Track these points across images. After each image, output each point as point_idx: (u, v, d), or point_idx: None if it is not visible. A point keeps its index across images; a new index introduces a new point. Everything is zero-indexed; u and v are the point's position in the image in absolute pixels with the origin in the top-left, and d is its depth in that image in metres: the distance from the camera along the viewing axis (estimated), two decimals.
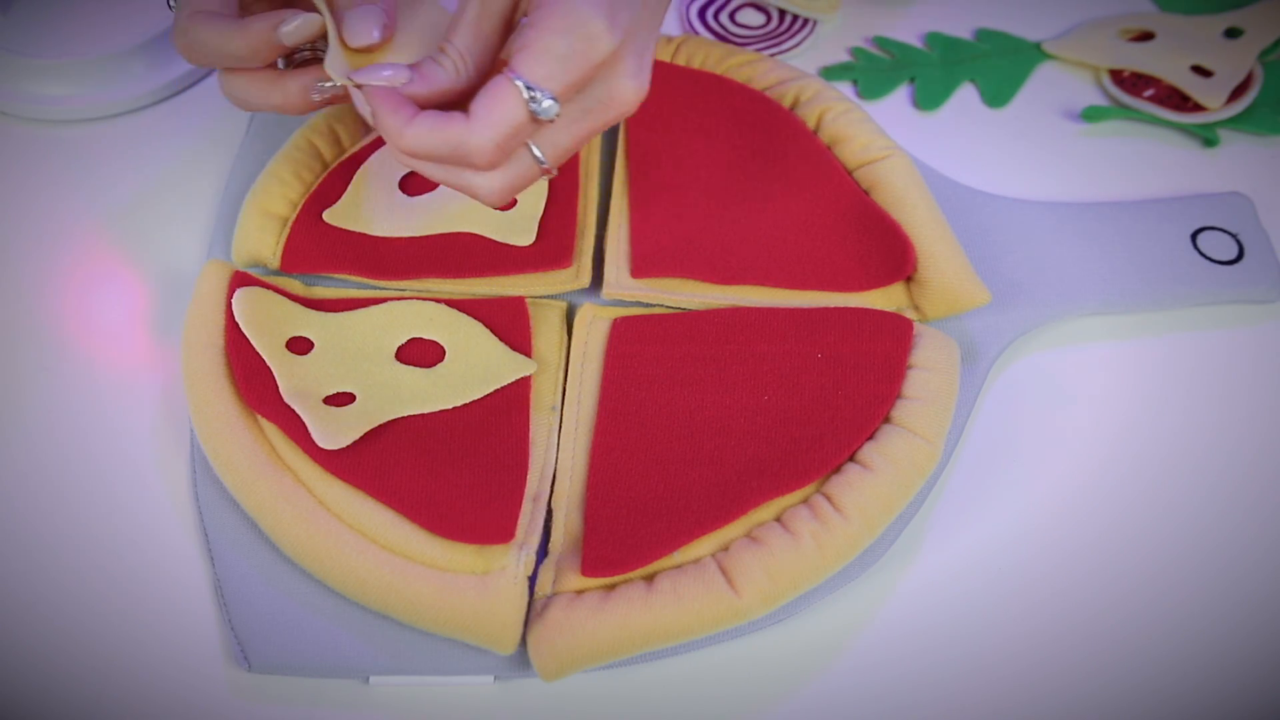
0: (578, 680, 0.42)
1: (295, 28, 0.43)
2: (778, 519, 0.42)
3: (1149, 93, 0.59)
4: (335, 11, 0.43)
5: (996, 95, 0.60)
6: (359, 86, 0.41)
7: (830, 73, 0.61)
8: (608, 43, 0.40)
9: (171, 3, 0.45)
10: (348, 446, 0.43)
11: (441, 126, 0.40)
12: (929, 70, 0.61)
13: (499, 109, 0.39)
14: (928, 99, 0.60)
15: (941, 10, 0.64)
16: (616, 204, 0.53)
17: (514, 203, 0.52)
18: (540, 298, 0.50)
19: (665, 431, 0.45)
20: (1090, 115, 0.59)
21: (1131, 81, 0.59)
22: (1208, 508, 0.46)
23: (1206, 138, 0.57)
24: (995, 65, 0.61)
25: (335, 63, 0.43)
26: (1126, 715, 0.41)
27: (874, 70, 0.61)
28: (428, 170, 0.42)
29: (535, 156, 0.42)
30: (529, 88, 0.39)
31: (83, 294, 0.52)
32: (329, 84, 0.45)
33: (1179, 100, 0.58)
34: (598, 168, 0.54)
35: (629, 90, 0.42)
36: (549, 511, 0.44)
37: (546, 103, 0.39)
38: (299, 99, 0.46)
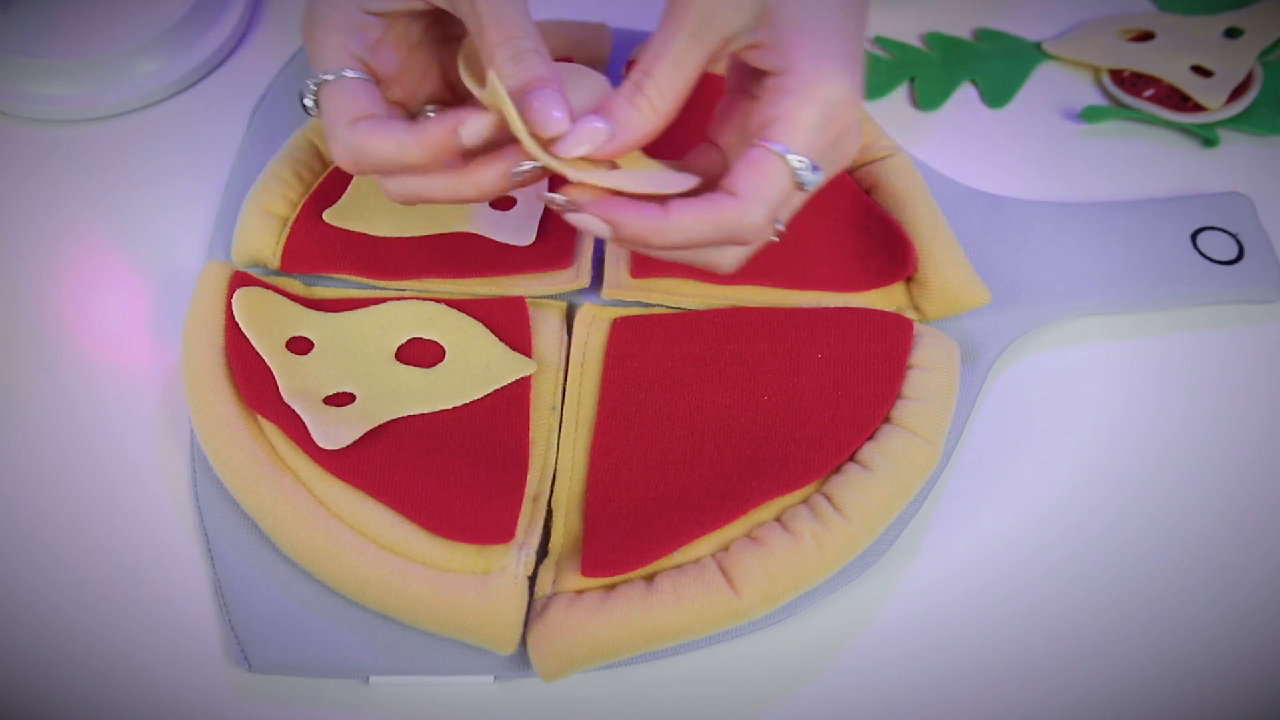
0: (578, 680, 0.42)
1: (477, 128, 0.40)
2: (778, 519, 0.42)
3: (1149, 93, 0.59)
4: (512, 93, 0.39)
5: (996, 95, 0.60)
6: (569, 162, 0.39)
7: None
8: (857, 109, 0.39)
9: (309, 106, 0.42)
10: (348, 446, 0.43)
11: (711, 213, 0.38)
12: (929, 70, 0.61)
13: (769, 184, 0.38)
14: (928, 99, 0.60)
15: (941, 10, 0.64)
16: None
17: (513, 202, 0.52)
18: (540, 298, 0.50)
19: (665, 431, 0.45)
20: (1090, 115, 0.59)
21: (1131, 81, 0.59)
22: (1207, 507, 0.46)
23: (1206, 138, 0.57)
24: (995, 65, 0.61)
25: (527, 143, 0.39)
26: (1127, 715, 0.41)
27: (874, 70, 0.61)
28: (673, 253, 0.40)
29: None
30: (798, 160, 0.38)
31: (82, 294, 0.52)
32: (529, 165, 0.40)
33: (1179, 100, 0.58)
34: None
35: (854, 148, 0.41)
36: (549, 511, 0.44)
37: (813, 175, 0.38)
38: (497, 185, 0.41)
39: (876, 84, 0.60)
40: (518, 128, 0.38)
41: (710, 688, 0.42)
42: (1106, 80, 0.60)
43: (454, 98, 0.47)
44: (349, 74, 0.42)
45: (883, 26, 0.63)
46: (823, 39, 0.39)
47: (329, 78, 0.42)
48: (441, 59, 0.46)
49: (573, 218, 0.39)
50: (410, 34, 0.44)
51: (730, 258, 0.42)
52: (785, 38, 0.39)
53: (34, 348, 0.50)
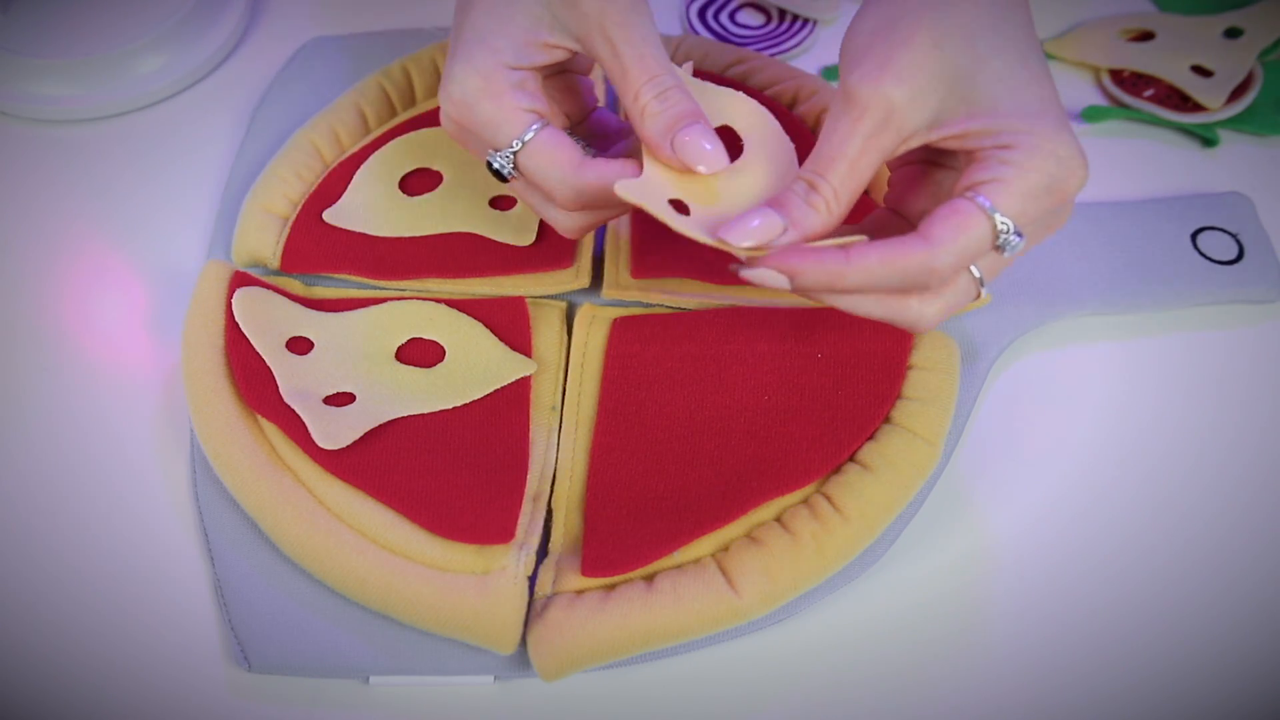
0: (578, 680, 0.42)
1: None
2: (778, 519, 0.42)
3: (1149, 93, 0.59)
4: (665, 131, 0.41)
5: None
6: (748, 253, 0.38)
7: (831, 73, 0.61)
8: (1083, 177, 0.38)
9: (506, 170, 0.43)
10: (348, 446, 0.43)
11: (896, 254, 0.36)
12: None
13: (966, 235, 0.37)
14: None
15: None
16: None
17: (514, 202, 0.52)
18: (540, 298, 0.50)
19: (665, 431, 0.45)
20: (1090, 115, 0.58)
21: (1131, 81, 0.59)
22: (1207, 507, 0.46)
23: (1206, 138, 0.57)
24: None
25: (682, 222, 0.39)
26: (1126, 714, 0.41)
27: None
28: (864, 306, 0.39)
29: (977, 279, 0.39)
30: (1003, 221, 0.37)
31: (82, 294, 0.52)
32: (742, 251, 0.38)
33: (1179, 100, 0.58)
34: None
35: (1067, 216, 0.40)
36: (549, 511, 0.44)
37: (1016, 239, 0.37)
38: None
39: None
40: (673, 224, 0.38)
41: (710, 688, 0.42)
42: (1106, 80, 0.60)
43: (570, 124, 0.48)
44: (537, 128, 0.42)
45: None
46: (1031, 110, 0.37)
47: (521, 142, 0.42)
48: (554, 94, 0.47)
49: (746, 273, 0.38)
50: (538, 79, 0.45)
51: (928, 313, 0.39)
52: (994, 125, 0.37)
53: (34, 348, 0.50)
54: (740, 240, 0.38)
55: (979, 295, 0.40)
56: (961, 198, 0.37)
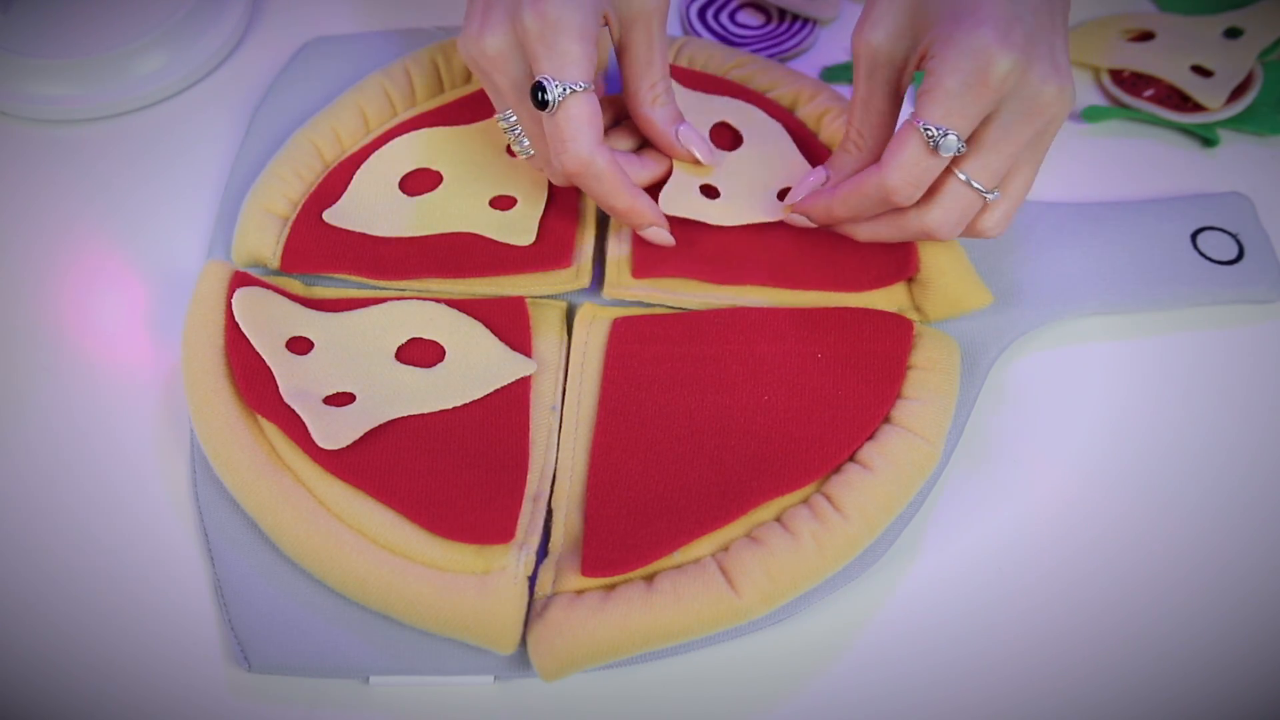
0: (578, 680, 0.42)
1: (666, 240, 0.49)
2: (778, 519, 0.42)
3: (1149, 93, 0.59)
4: (668, 129, 0.49)
5: None
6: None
7: (831, 73, 0.61)
8: (1006, 62, 0.40)
9: (551, 101, 0.44)
10: (348, 446, 0.43)
11: (860, 184, 0.44)
12: None
13: (902, 152, 0.42)
14: None
15: None
16: None
17: (514, 202, 0.52)
18: (540, 298, 0.50)
19: (665, 431, 0.45)
20: (1090, 115, 0.58)
21: (1131, 81, 0.59)
22: (1207, 507, 0.46)
23: (1206, 138, 0.57)
24: None
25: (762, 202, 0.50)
26: (1126, 715, 0.41)
27: None
28: (880, 232, 0.47)
29: (962, 181, 0.43)
30: (927, 129, 0.41)
31: (82, 294, 0.52)
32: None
33: (1179, 100, 0.58)
34: None
35: (1048, 93, 0.42)
36: (549, 511, 0.44)
37: (948, 139, 0.41)
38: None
39: None
40: (710, 218, 0.50)
41: (710, 688, 0.42)
42: (1106, 80, 0.60)
43: None
44: (591, 86, 0.44)
45: None
46: (961, 11, 0.41)
47: (581, 86, 0.44)
48: None
49: (789, 217, 0.49)
50: None
51: (935, 220, 0.44)
52: (937, 32, 0.41)
53: (34, 348, 0.50)
54: (798, 196, 0.48)
55: (983, 201, 0.44)
56: (907, 121, 0.42)
